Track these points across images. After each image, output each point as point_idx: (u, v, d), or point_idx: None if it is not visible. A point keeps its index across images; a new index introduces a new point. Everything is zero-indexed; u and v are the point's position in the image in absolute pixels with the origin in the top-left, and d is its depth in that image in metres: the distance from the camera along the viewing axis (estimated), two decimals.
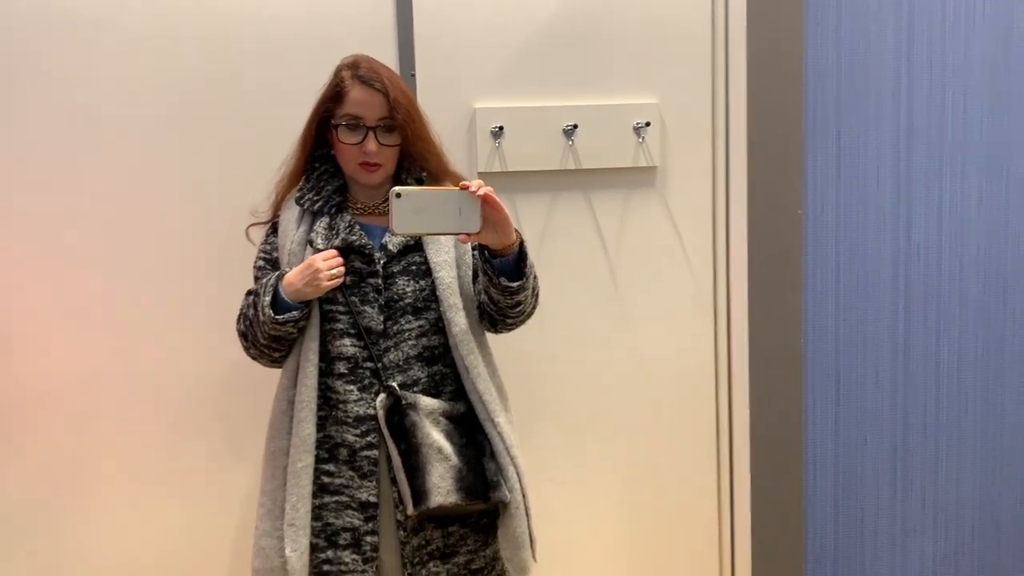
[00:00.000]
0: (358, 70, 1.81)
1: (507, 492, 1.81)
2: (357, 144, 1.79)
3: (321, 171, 1.87)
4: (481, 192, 1.65)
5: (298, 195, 1.86)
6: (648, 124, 2.30)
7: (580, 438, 2.39)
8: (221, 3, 2.14)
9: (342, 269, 1.77)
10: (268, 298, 1.76)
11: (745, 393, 2.40)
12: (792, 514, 2.45)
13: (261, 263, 1.88)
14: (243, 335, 1.85)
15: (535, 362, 2.34)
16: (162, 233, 2.17)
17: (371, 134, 1.78)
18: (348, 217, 1.83)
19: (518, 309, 1.83)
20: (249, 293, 1.84)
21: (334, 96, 1.81)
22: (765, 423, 2.41)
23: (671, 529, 2.46)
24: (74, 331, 2.16)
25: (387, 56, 2.19)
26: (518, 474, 1.83)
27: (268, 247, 1.89)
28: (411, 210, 1.64)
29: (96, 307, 2.16)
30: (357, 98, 1.79)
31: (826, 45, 2.36)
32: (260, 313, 1.76)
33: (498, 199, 1.68)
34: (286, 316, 1.74)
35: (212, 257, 2.17)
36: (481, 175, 2.24)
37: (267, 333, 1.77)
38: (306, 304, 1.77)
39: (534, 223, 2.32)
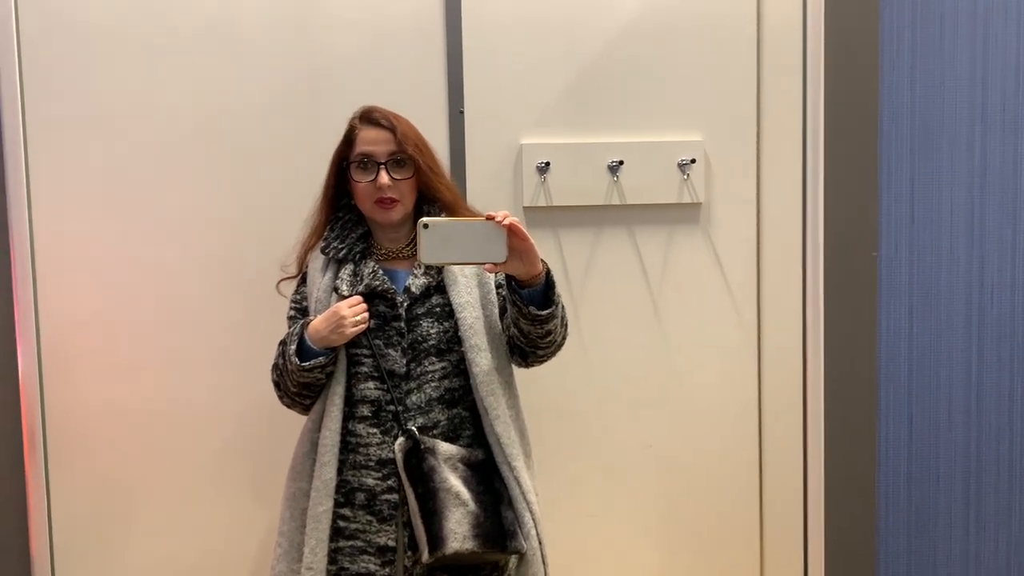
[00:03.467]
0: (367, 114, 1.88)
1: (523, 541, 1.81)
2: (370, 181, 1.83)
3: (345, 220, 1.92)
4: (507, 222, 1.68)
5: (323, 244, 1.90)
6: (693, 161, 2.31)
7: (621, 473, 2.39)
8: (279, 58, 2.24)
9: (367, 315, 1.81)
10: (294, 346, 1.80)
11: (820, 432, 2.39)
12: (866, 554, 2.44)
13: (292, 313, 1.94)
14: (276, 385, 1.89)
15: (577, 396, 2.36)
16: (206, 279, 2.25)
17: (382, 168, 1.83)
18: (372, 263, 1.87)
19: (548, 339, 1.83)
20: (281, 343, 1.88)
21: (347, 142, 1.88)
22: (839, 462, 2.40)
23: (711, 564, 2.44)
24: (113, 366, 2.24)
25: (437, 95, 2.26)
26: (534, 520, 1.82)
27: (298, 297, 1.94)
28: (438, 240, 1.68)
29: (135, 345, 2.25)
30: (366, 137, 1.85)
31: (901, 88, 2.38)
32: (288, 362, 1.81)
33: (524, 229, 1.70)
34: (312, 363, 1.78)
35: (249, 299, 2.23)
36: (527, 210, 2.28)
37: (296, 381, 1.81)
38: (332, 350, 1.80)
39: (578, 258, 2.34)
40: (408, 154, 1.84)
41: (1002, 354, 2.46)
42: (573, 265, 2.33)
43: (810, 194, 2.37)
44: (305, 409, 1.88)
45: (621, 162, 2.30)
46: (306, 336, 1.80)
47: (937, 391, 2.46)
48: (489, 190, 2.27)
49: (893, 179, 2.39)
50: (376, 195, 1.84)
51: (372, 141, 1.85)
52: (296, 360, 1.78)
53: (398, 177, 1.84)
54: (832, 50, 2.34)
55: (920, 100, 2.38)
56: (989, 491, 2.49)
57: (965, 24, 2.38)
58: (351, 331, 1.78)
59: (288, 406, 1.90)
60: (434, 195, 1.89)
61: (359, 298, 1.81)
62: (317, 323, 1.80)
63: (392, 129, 1.84)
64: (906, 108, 2.38)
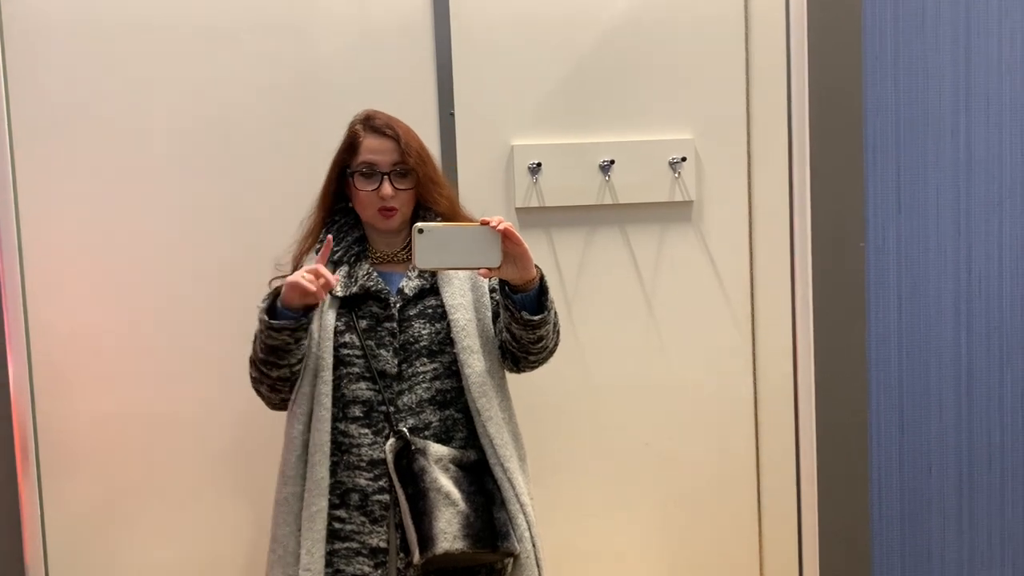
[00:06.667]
0: (370, 121, 1.88)
1: (516, 543, 1.80)
2: (373, 190, 1.85)
3: (341, 223, 1.93)
4: (501, 227, 1.69)
5: (319, 246, 1.90)
6: (684, 159, 2.32)
7: (621, 472, 2.40)
8: (268, 67, 2.23)
9: (328, 280, 1.73)
10: (265, 304, 1.78)
11: (812, 423, 2.41)
12: (860, 544, 2.46)
13: None
14: (251, 362, 1.85)
15: (573, 395, 2.36)
16: (198, 287, 2.24)
17: (386, 179, 1.84)
18: (366, 266, 1.88)
19: (540, 344, 1.83)
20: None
21: (349, 148, 1.88)
22: (831, 453, 2.42)
23: (710, 553, 2.45)
24: (104, 377, 2.24)
25: (427, 97, 2.26)
26: (528, 522, 1.82)
27: None
28: (433, 245, 1.69)
29: (127, 355, 2.24)
30: (371, 146, 1.86)
31: (885, 81, 2.39)
32: (259, 322, 1.77)
33: (518, 234, 1.71)
34: (281, 323, 1.73)
35: (241, 306, 2.16)
36: (519, 211, 2.29)
37: (264, 343, 1.77)
38: (302, 316, 1.76)
39: (571, 258, 2.35)
40: (411, 166, 1.85)
41: (991, 343, 2.48)
42: (566, 265, 2.34)
43: (797, 188, 2.38)
44: (271, 390, 1.84)
45: (612, 161, 2.31)
46: (278, 302, 1.77)
47: (927, 381, 2.48)
48: (481, 192, 2.27)
49: (879, 171, 2.41)
50: (378, 204, 1.85)
51: (376, 150, 1.85)
52: (265, 317, 1.75)
53: (400, 187, 1.86)
54: (815, 44, 2.35)
55: (904, 93, 2.40)
56: (981, 481, 2.51)
57: (947, 16, 2.40)
58: (303, 283, 1.69)
59: (256, 383, 1.86)
60: (434, 207, 1.91)
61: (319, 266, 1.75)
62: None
63: (396, 138, 1.85)
64: (890, 100, 2.40)
